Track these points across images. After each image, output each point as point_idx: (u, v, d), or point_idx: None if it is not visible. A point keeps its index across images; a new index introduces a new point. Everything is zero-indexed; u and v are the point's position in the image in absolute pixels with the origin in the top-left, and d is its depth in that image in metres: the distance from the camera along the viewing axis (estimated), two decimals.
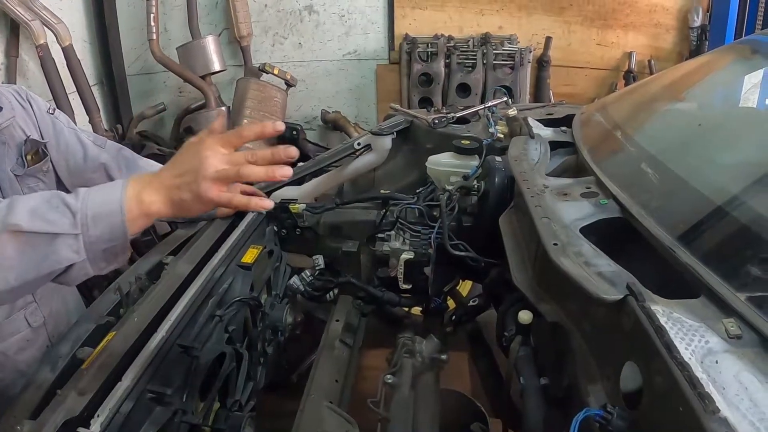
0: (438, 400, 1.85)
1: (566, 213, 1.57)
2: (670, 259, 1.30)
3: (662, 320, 1.06)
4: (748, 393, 0.92)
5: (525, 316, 1.57)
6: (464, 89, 5.34)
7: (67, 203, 1.27)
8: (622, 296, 1.16)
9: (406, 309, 2.38)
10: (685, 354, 0.98)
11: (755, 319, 1.05)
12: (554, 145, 2.20)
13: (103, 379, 1.42)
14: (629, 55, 5.63)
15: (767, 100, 2.06)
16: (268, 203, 1.50)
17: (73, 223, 1.26)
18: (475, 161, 2.28)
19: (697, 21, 5.42)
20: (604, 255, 1.35)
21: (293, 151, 1.43)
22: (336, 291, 2.30)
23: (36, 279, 1.32)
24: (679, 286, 1.23)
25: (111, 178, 2.06)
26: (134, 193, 1.31)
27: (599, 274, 1.27)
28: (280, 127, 1.44)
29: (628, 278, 1.22)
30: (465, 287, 2.77)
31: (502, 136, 2.46)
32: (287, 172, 1.41)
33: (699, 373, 0.94)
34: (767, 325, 1.02)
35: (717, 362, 0.98)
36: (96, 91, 4.65)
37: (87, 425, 1.29)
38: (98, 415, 1.30)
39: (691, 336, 1.03)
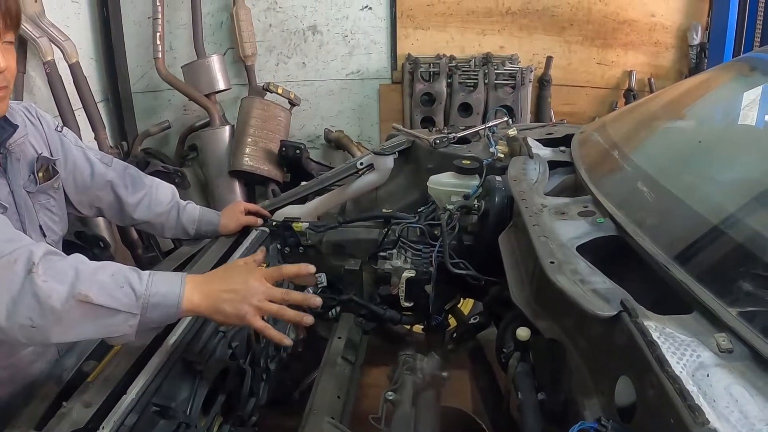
0: (439, 417, 1.86)
1: (563, 232, 1.60)
2: (664, 277, 1.33)
3: (654, 335, 1.08)
4: (738, 405, 0.94)
5: (523, 332, 1.59)
6: (466, 109, 5.35)
7: (133, 286, 1.40)
8: (615, 312, 1.19)
9: (408, 327, 2.40)
10: (677, 368, 1.00)
11: (746, 333, 1.07)
12: (553, 165, 2.23)
13: (109, 391, 1.45)
14: (629, 73, 5.64)
15: (766, 117, 2.08)
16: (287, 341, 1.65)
17: (136, 305, 1.39)
18: (475, 181, 2.30)
19: (696, 39, 5.44)
20: (599, 272, 1.38)
21: (318, 302, 1.64)
22: (338, 308, 2.32)
23: (88, 338, 1.52)
24: (673, 302, 1.25)
25: (117, 196, 2.10)
26: (189, 292, 1.46)
27: (594, 291, 1.29)
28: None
29: (622, 295, 1.25)
30: (467, 305, 2.79)
31: (502, 155, 2.48)
32: (310, 320, 1.60)
33: (690, 386, 0.96)
34: (758, 339, 1.05)
35: (708, 375, 1.00)
36: (102, 108, 4.65)
37: None
38: (103, 427, 1.33)
39: (683, 350, 1.05)
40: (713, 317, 1.14)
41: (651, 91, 5.48)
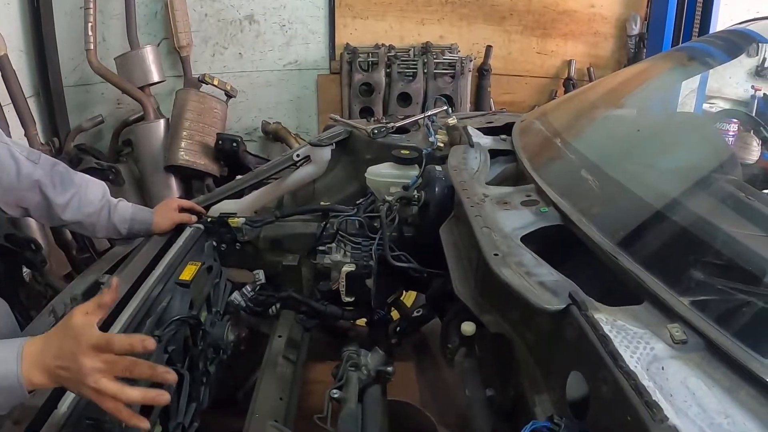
0: (386, 413, 1.83)
1: (506, 222, 1.56)
2: (612, 266, 1.30)
3: (606, 328, 1.05)
4: (695, 398, 0.92)
5: (468, 327, 1.56)
6: (405, 99, 5.32)
7: None
8: (564, 306, 1.15)
9: (351, 321, 2.36)
10: (631, 362, 0.97)
11: (700, 323, 1.04)
12: (494, 154, 2.20)
13: (38, 407, 1.37)
14: (569, 63, 5.69)
15: (704, 105, 2.09)
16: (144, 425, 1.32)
17: None
18: (414, 171, 2.27)
19: (635, 29, 5.52)
20: (545, 264, 1.34)
21: (172, 377, 1.32)
22: (278, 306, 2.26)
23: None
24: (622, 292, 1.22)
25: (45, 196, 1.99)
26: (27, 371, 1.25)
27: (541, 283, 1.25)
28: (150, 346, 1.30)
29: (570, 287, 1.21)
30: (411, 297, 2.76)
31: (442, 145, 2.45)
32: (165, 400, 1.31)
33: (645, 381, 0.93)
34: (712, 329, 1.02)
35: (663, 369, 0.97)
36: (32, 103, 4.49)
37: None
38: None
39: (636, 343, 1.02)
40: (665, 307, 1.11)
41: (590, 80, 5.55)
